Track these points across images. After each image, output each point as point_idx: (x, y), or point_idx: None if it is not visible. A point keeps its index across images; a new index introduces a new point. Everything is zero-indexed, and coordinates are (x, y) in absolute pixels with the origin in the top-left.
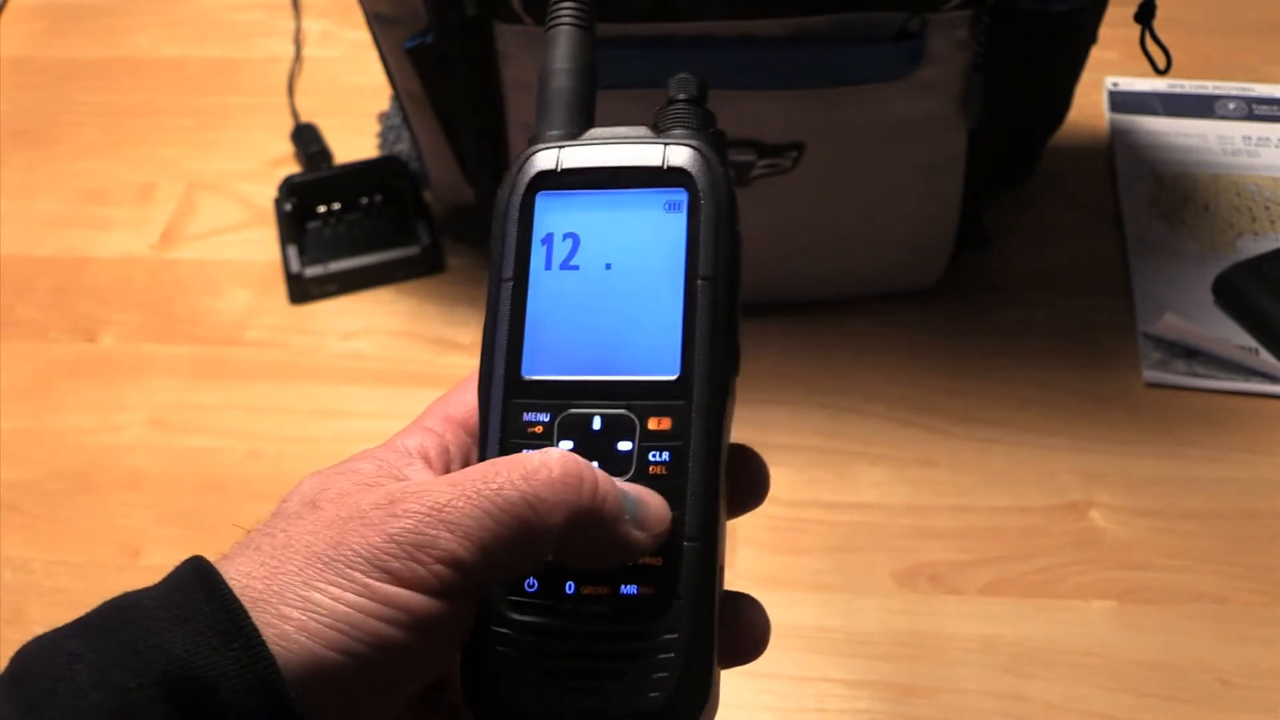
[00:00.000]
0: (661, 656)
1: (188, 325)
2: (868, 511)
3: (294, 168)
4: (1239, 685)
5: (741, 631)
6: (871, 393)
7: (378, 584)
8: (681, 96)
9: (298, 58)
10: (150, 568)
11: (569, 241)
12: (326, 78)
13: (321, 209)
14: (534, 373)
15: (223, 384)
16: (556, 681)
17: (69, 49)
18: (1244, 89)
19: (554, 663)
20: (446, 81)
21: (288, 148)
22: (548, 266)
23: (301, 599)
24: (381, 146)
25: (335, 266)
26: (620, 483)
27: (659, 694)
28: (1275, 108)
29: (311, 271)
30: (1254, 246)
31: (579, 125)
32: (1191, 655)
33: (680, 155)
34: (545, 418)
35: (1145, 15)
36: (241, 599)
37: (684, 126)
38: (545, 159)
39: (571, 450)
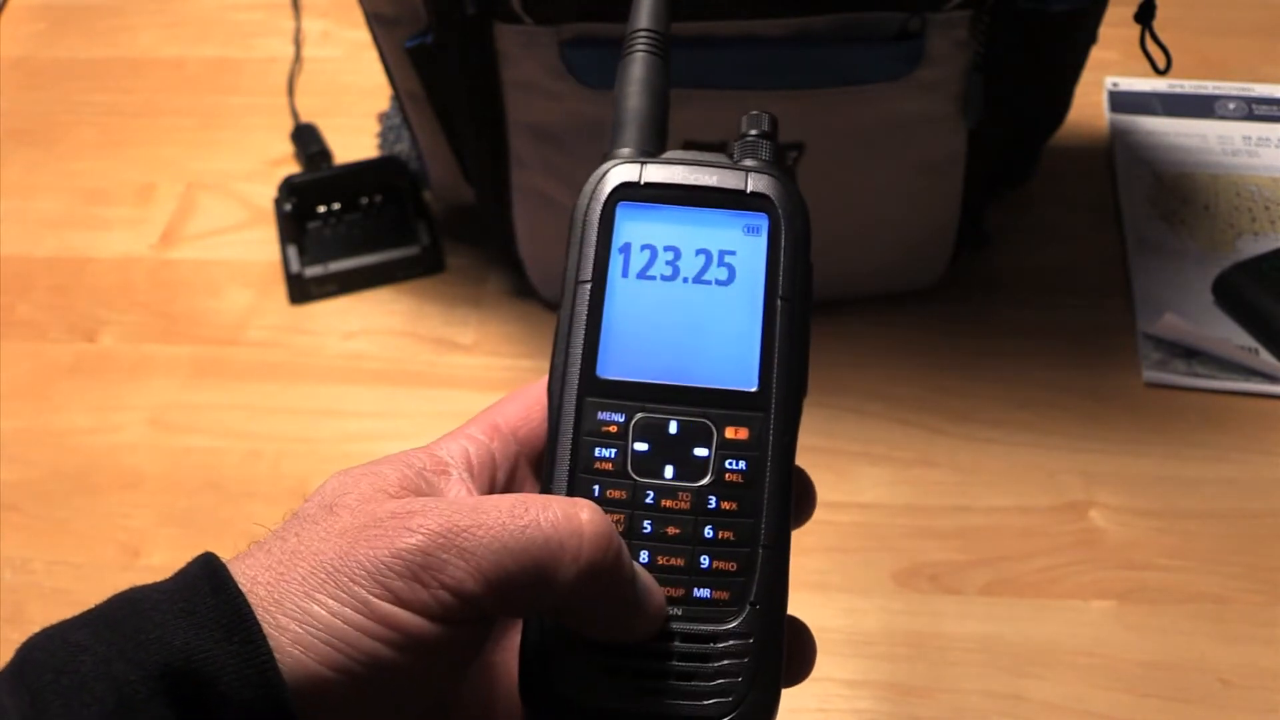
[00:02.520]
0: (733, 661)
1: (188, 325)
2: (868, 511)
3: (294, 168)
4: (1239, 685)
5: (792, 652)
6: (871, 393)
7: (377, 601)
8: (754, 131)
9: (298, 58)
10: (150, 568)
11: (646, 252)
12: (326, 78)
13: (321, 209)
14: (609, 373)
15: (223, 384)
16: (623, 682)
17: (69, 49)
18: (1244, 89)
19: (622, 663)
20: (446, 81)
21: (288, 148)
22: (625, 274)
23: (300, 610)
24: (381, 146)
25: (335, 266)
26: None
27: (730, 698)
28: (1275, 108)
29: (311, 271)
30: (1254, 246)
31: (653, 145)
32: (1191, 655)
33: (762, 183)
34: (620, 418)
35: (1145, 15)
36: None
37: (757, 158)
38: (627, 171)
39: (647, 452)
